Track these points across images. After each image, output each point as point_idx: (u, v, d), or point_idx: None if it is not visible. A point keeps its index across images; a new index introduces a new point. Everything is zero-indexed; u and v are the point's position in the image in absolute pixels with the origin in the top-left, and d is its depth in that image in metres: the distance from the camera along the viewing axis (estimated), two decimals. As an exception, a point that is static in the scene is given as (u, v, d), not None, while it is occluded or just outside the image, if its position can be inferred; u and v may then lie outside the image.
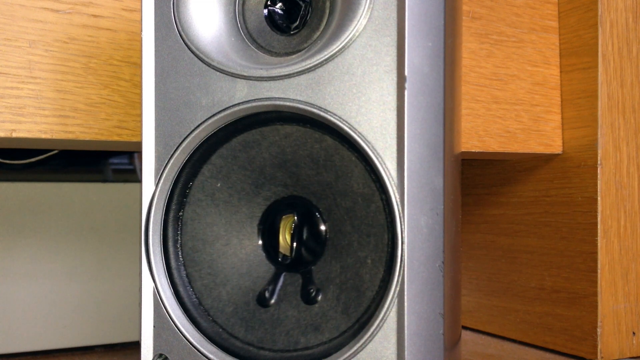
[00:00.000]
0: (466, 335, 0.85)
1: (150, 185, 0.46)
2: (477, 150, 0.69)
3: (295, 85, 0.42)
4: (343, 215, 0.43)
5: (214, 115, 0.44)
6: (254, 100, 0.43)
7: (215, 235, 0.46)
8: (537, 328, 0.77)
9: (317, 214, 0.44)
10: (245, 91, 0.43)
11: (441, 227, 0.41)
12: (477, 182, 0.86)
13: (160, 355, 0.46)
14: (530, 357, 0.74)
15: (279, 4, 0.45)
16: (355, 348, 0.40)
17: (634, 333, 0.71)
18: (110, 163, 0.87)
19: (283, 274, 0.45)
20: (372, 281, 0.41)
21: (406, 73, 0.39)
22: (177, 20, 0.45)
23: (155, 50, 0.46)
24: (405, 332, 0.39)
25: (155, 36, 0.46)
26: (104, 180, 0.84)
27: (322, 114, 0.41)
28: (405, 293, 0.39)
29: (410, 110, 0.40)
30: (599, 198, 0.69)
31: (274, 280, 0.45)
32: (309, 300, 0.44)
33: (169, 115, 0.45)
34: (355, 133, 0.40)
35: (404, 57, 0.39)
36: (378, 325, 0.40)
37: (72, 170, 0.84)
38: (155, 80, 0.46)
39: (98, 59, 0.57)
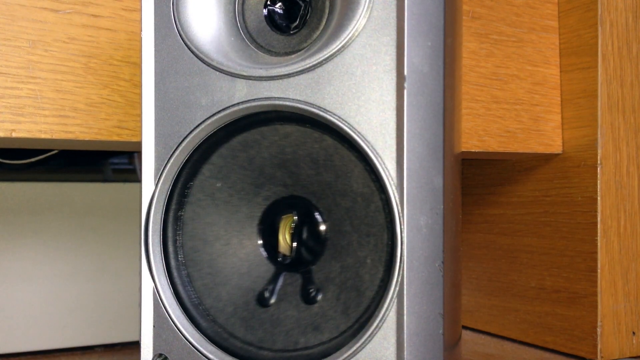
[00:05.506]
0: (466, 335, 0.85)
1: (150, 185, 0.46)
2: (477, 150, 0.69)
3: (295, 85, 0.42)
4: (343, 215, 0.43)
5: (213, 115, 0.44)
6: (254, 100, 0.43)
7: (215, 235, 0.46)
8: (537, 328, 0.77)
9: (316, 213, 0.44)
10: (245, 91, 0.43)
11: (441, 227, 0.41)
12: (477, 182, 0.86)
13: (160, 355, 0.46)
14: (530, 357, 0.74)
15: (279, 4, 0.45)
16: (354, 348, 0.40)
17: (634, 333, 0.71)
18: (110, 163, 0.87)
19: (283, 273, 0.45)
20: (372, 281, 0.41)
21: (405, 73, 0.39)
22: (177, 20, 0.45)
23: (155, 50, 0.46)
24: (405, 332, 0.39)
25: (155, 36, 0.46)
26: (104, 180, 0.84)
27: (321, 113, 0.41)
28: (405, 293, 0.39)
29: (410, 110, 0.40)
30: (599, 198, 0.69)
31: (273, 280, 0.45)
32: (308, 300, 0.44)
33: (168, 115, 0.45)
34: (354, 133, 0.40)
35: (403, 57, 0.39)
36: (377, 325, 0.40)
37: (72, 170, 0.84)
38: (155, 80, 0.46)
39: (98, 59, 0.57)
